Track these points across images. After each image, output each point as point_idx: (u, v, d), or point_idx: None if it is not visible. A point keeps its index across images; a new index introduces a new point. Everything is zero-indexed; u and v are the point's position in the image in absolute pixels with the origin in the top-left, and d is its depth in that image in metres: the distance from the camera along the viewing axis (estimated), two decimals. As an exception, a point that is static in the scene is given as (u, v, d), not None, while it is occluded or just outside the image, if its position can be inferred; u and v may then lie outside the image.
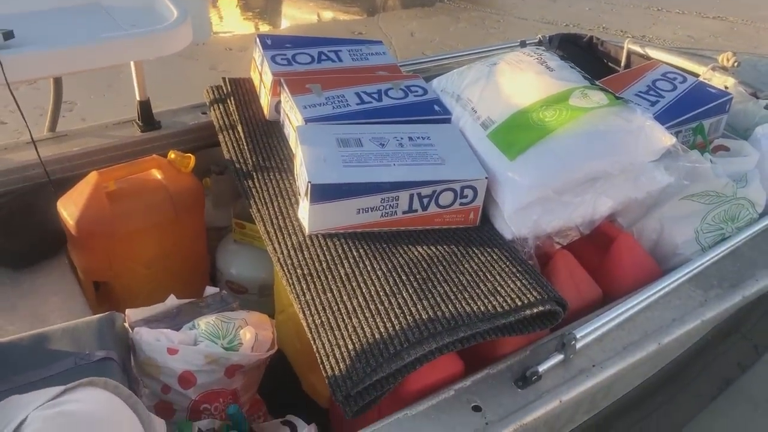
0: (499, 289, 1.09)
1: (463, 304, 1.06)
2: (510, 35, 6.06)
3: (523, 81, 1.42)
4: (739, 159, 1.47)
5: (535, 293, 1.07)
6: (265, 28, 6.70)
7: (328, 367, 0.99)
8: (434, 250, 1.19)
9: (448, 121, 1.45)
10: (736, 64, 1.96)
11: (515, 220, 1.22)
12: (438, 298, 1.07)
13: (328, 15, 7.58)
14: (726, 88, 1.80)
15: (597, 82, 1.43)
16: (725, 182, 1.38)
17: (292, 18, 7.46)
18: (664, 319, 1.18)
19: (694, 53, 2.22)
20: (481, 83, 1.47)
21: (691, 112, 1.52)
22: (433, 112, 1.46)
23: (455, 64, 2.13)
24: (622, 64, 2.19)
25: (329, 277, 1.12)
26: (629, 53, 2.19)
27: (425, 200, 1.23)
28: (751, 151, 1.48)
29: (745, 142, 1.53)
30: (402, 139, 1.32)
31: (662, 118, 1.48)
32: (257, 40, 1.66)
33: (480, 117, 1.37)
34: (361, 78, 1.57)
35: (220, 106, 1.61)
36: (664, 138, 1.25)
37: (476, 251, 1.19)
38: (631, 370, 1.11)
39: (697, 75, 1.93)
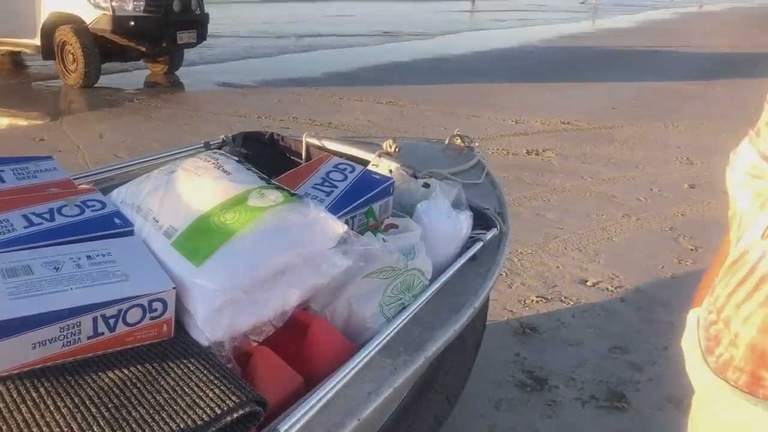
0: (198, 401, 1.07)
1: (162, 425, 1.02)
2: (204, 130, 6.16)
3: (201, 187, 1.45)
4: (407, 234, 1.67)
5: (234, 398, 1.07)
6: None
7: None
8: (128, 372, 1.14)
9: (130, 233, 1.41)
10: (397, 149, 2.24)
11: (208, 325, 1.22)
12: (134, 425, 1.02)
13: (2, 122, 6.94)
14: (390, 172, 2.04)
15: (273, 181, 1.52)
16: (397, 257, 1.55)
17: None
18: (362, 394, 1.26)
19: (363, 141, 2.48)
20: (160, 192, 1.46)
21: (361, 198, 1.69)
22: (113, 225, 1.42)
23: (140, 170, 2.10)
24: (303, 156, 2.36)
25: (4, 429, 1.00)
26: (308, 146, 2.38)
27: (112, 321, 1.17)
28: (414, 227, 1.69)
29: (409, 219, 1.74)
30: (79, 259, 1.26)
31: (337, 206, 1.63)
32: None
33: (162, 226, 1.37)
34: (29, 198, 1.46)
35: None
36: (337, 227, 1.38)
37: (173, 365, 1.16)
38: (338, 451, 1.16)
39: (367, 161, 2.17)
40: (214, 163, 1.55)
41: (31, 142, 5.74)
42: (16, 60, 9.83)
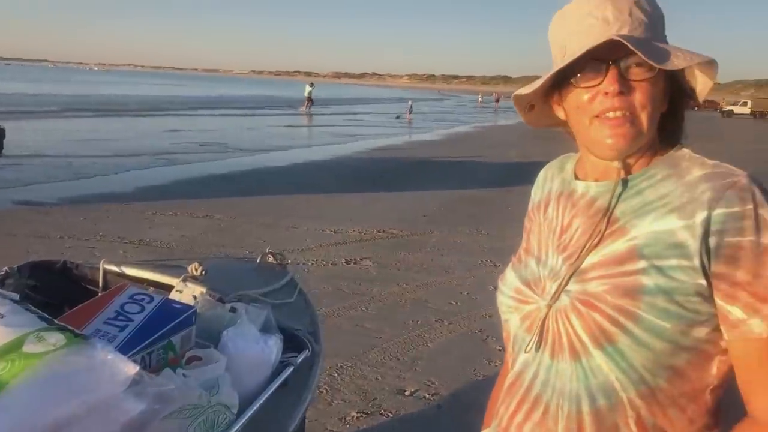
0: None
1: None
2: (-4, 255, 5.59)
3: (-32, 334, 1.29)
4: (210, 367, 1.59)
5: None
6: None
7: None
8: None
9: None
10: (203, 272, 2.17)
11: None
12: None
13: None
14: (195, 298, 1.96)
15: (56, 321, 1.39)
16: (198, 393, 1.47)
17: None
18: None
19: (168, 265, 2.38)
20: None
21: (159, 331, 1.60)
22: None
23: None
24: (101, 285, 2.21)
25: None
26: (106, 273, 2.23)
27: None
28: (219, 357, 1.62)
29: (213, 349, 1.67)
30: None
31: (131, 343, 1.52)
32: None
33: None
34: None
35: None
36: (128, 368, 1.27)
37: None
38: None
39: (171, 287, 2.07)
40: (-15, 306, 1.39)
41: None
42: None
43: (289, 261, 2.79)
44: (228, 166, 12.66)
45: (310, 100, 34.93)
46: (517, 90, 1.01)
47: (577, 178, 1.07)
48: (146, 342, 1.56)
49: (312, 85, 37.19)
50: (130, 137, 17.42)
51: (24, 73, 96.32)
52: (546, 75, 0.95)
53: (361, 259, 6.12)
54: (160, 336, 1.61)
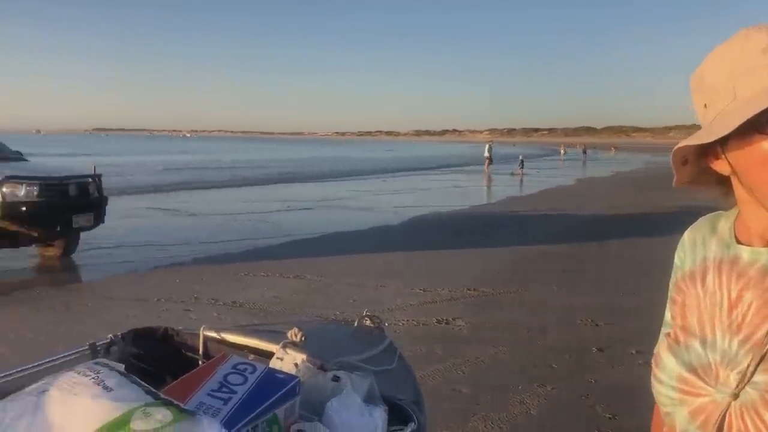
0: None
1: None
2: (99, 318, 5.81)
3: (77, 410, 1.25)
4: (316, 442, 1.50)
5: None
6: None
7: None
8: None
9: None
10: (303, 338, 2.11)
11: None
12: None
13: None
14: (296, 365, 1.89)
15: (161, 395, 1.34)
16: (305, 473, 1.37)
17: None
18: None
19: (266, 330, 2.33)
20: (26, 420, 1.25)
21: (263, 404, 1.52)
22: (-39, 468, 1.18)
23: (8, 384, 1.85)
24: (200, 351, 2.18)
25: None
26: (205, 340, 2.20)
27: None
28: (324, 431, 1.53)
29: (318, 423, 1.58)
30: None
31: (237, 417, 1.45)
32: None
33: (24, 465, 1.15)
34: None
35: None
36: (234, 447, 1.20)
37: None
38: None
39: (271, 353, 2.01)
40: (94, 378, 1.36)
41: None
42: None
43: (387, 324, 2.69)
44: (316, 226, 12.81)
45: (490, 159, 35.42)
46: (678, 143, 0.85)
47: (739, 242, 0.92)
48: (251, 416, 1.49)
49: (491, 144, 38.11)
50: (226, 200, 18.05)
51: (137, 143, 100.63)
52: (726, 122, 0.81)
53: (453, 319, 5.95)
54: (265, 409, 1.53)
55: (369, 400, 1.81)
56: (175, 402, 1.30)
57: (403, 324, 5.75)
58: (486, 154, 36.12)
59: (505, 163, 35.98)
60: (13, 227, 7.74)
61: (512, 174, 32.97)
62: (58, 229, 8.26)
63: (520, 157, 36.06)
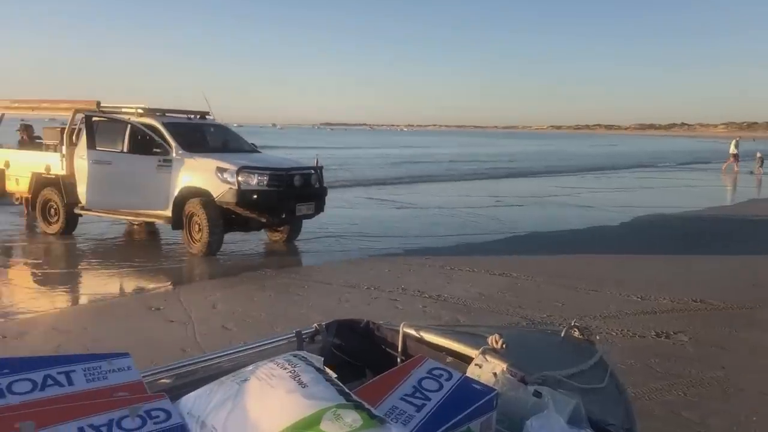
0: None
1: None
2: (313, 302, 6.15)
3: (272, 403, 1.27)
4: (514, 463, 1.37)
5: None
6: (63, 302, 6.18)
7: None
8: None
9: (190, 455, 1.23)
10: (503, 345, 1.99)
11: None
12: None
13: (130, 285, 7.32)
14: (495, 375, 1.78)
15: (354, 396, 1.31)
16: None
17: (91, 290, 7.08)
18: None
19: (466, 332, 2.25)
20: (228, 406, 1.29)
21: (458, 415, 1.44)
22: (173, 442, 1.24)
23: (226, 361, 1.97)
24: (399, 348, 2.16)
25: None
26: (405, 337, 2.18)
27: None
28: (522, 454, 1.40)
29: (516, 443, 1.45)
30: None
31: (429, 426, 1.38)
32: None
33: (222, 451, 1.17)
34: (90, 406, 1.32)
35: None
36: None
37: None
38: None
39: (469, 358, 1.93)
40: (290, 372, 1.37)
41: (147, 311, 5.92)
42: (150, 230, 10.60)
43: (598, 337, 2.47)
44: (528, 223, 12.48)
45: (736, 156, 32.29)
46: None
47: None
48: (444, 427, 1.41)
49: (737, 139, 34.95)
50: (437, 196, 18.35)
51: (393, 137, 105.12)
52: None
53: (674, 333, 5.41)
54: (459, 421, 1.44)
55: (574, 422, 1.64)
56: (367, 406, 1.26)
57: (615, 334, 5.34)
58: (732, 150, 32.02)
59: (743, 161, 32.11)
60: (246, 213, 8.53)
61: (751, 173, 29.40)
62: (284, 216, 8.95)
63: (758, 155, 31.60)
